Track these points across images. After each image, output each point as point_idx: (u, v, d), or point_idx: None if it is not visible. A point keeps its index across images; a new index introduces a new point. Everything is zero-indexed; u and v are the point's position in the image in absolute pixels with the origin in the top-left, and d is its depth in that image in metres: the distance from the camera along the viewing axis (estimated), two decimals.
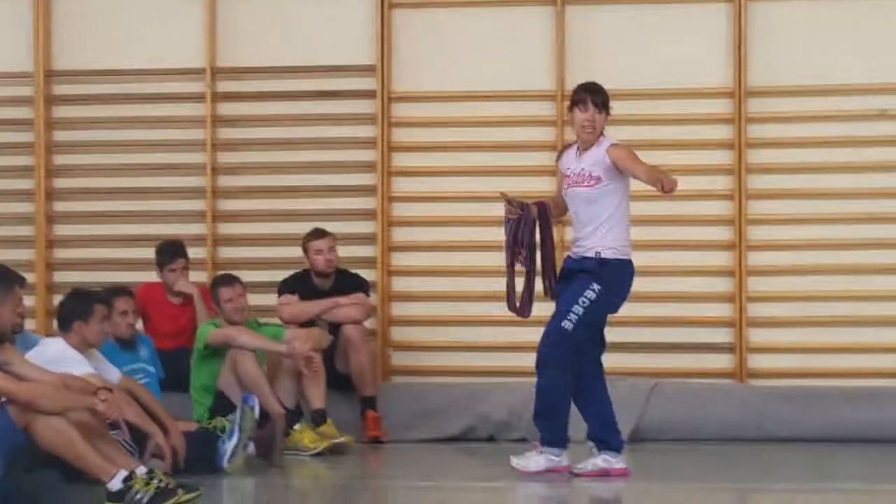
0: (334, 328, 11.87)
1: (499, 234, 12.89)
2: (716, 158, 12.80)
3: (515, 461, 9.72)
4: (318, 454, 10.86)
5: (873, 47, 12.67)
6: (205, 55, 13.15)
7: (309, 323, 11.79)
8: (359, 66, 13.13)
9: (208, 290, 11.56)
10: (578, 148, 9.79)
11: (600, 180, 9.60)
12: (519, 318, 12.88)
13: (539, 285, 9.96)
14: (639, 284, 12.58)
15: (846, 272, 12.64)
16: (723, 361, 12.81)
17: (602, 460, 9.73)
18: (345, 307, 11.95)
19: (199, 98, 13.19)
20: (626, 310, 12.69)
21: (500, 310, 12.88)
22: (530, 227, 9.87)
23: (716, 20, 12.81)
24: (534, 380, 12.59)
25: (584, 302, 9.55)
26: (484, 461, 11.18)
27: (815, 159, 12.69)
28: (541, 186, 12.83)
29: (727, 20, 12.76)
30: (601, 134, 9.73)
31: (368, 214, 13.09)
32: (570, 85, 12.76)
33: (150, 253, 12.42)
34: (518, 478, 9.86)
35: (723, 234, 12.82)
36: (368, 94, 13.11)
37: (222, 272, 12.03)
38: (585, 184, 9.65)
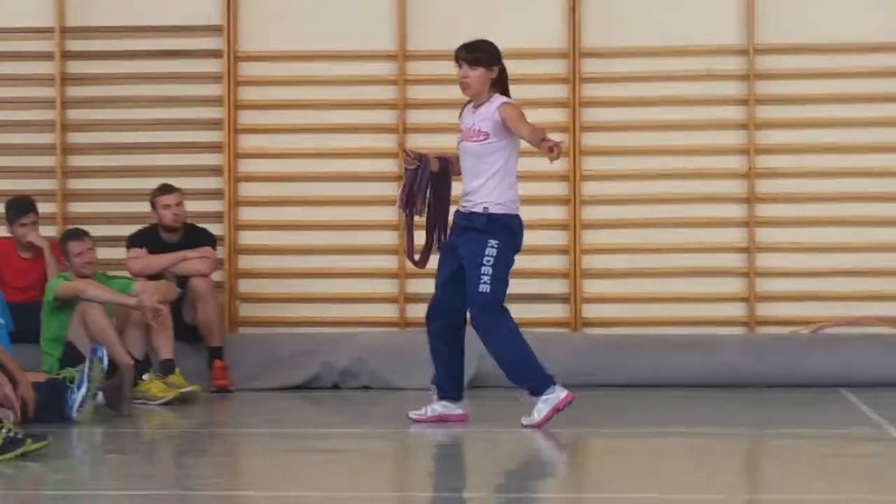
0: (182, 281, 11.84)
1: (342, 189, 13.03)
2: (551, 117, 12.85)
3: (525, 420, 9.50)
4: (166, 403, 10.82)
5: (695, 10, 12.82)
6: (54, 14, 12.98)
7: (157, 276, 11.74)
8: (206, 27, 13.06)
9: (58, 245, 11.45)
10: (473, 104, 9.70)
11: (488, 136, 9.51)
12: (361, 271, 13.03)
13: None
14: None
15: (673, 225, 12.80)
16: (558, 311, 12.93)
17: (441, 406, 9.74)
18: (192, 261, 11.92)
19: (48, 57, 13.04)
20: None
21: (344, 263, 13.03)
22: (427, 177, 9.77)
23: None
24: (377, 329, 12.74)
25: (488, 261, 9.46)
26: (329, 408, 11.19)
27: (645, 117, 12.83)
28: (382, 143, 12.92)
29: None
30: (488, 90, 9.60)
31: (216, 170, 13.04)
32: (411, 45, 12.91)
33: None
34: (359, 424, 9.87)
35: (558, 189, 12.91)
36: (215, 54, 13.05)
37: (72, 227, 11.92)
38: (474, 138, 9.57)
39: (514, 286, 12.63)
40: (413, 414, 9.79)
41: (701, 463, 8.42)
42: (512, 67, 9.60)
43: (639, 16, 12.81)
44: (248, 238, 13.13)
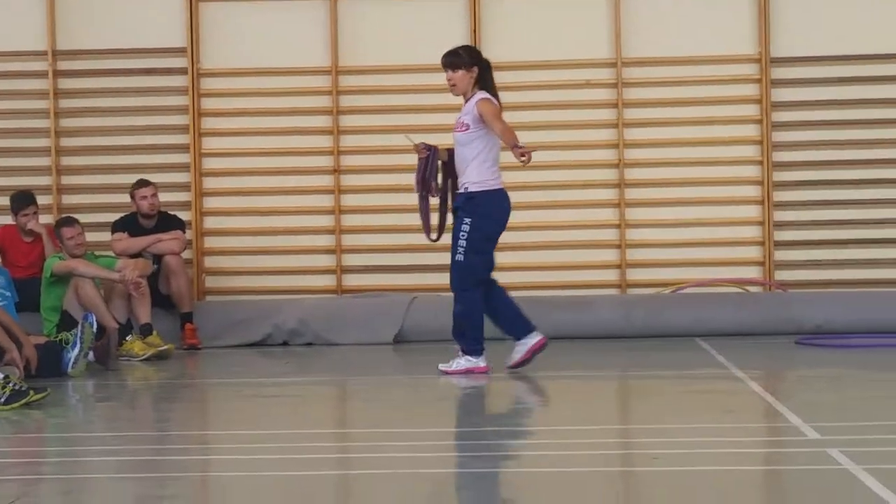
0: (157, 259, 11.79)
1: (288, 181, 13.03)
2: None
3: (442, 366, 9.41)
4: (146, 359, 10.78)
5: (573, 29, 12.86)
6: (48, 39, 12.88)
7: (136, 255, 11.68)
8: (173, 48, 13.00)
9: (53, 230, 11.40)
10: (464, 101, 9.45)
11: (469, 127, 9.27)
12: (304, 248, 13.03)
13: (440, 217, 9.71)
14: (398, 219, 12.81)
15: (558, 206, 12.84)
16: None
17: (465, 360, 9.44)
18: (165, 241, 11.86)
19: (43, 75, 12.94)
20: (390, 239, 12.93)
21: (290, 242, 13.03)
22: (436, 165, 9.51)
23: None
24: (318, 296, 12.75)
25: (463, 235, 9.26)
26: (279, 361, 11.20)
27: (536, 119, 12.82)
28: (320, 143, 12.93)
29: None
30: (472, 88, 9.32)
31: (184, 167, 12.98)
32: (342, 62, 12.91)
33: (5, 201, 12.22)
34: (303, 374, 9.88)
35: None
36: (181, 71, 12.99)
37: (65, 215, 11.86)
38: (459, 129, 9.33)
39: (432, 258, 12.84)
40: (442, 366, 9.49)
41: (582, 399, 8.50)
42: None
43: (537, 33, 12.79)
44: (211, 223, 13.09)
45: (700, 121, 12.77)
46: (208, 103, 13.07)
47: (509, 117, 12.18)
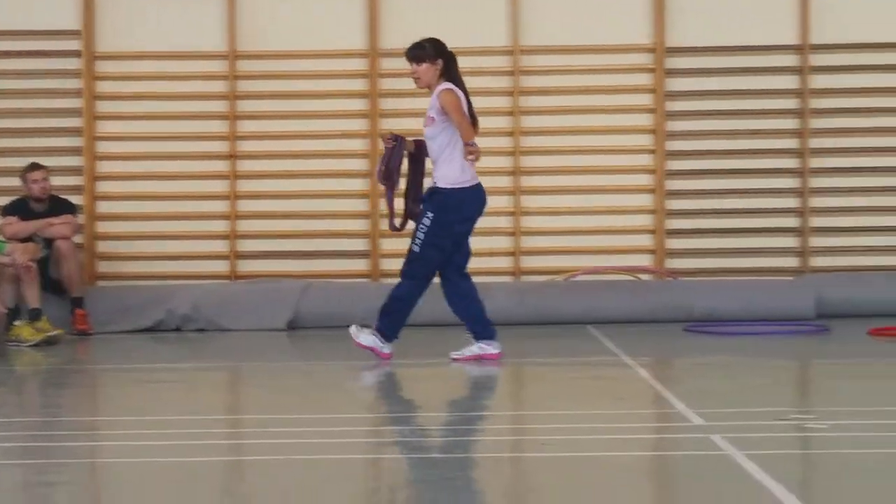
0: (48, 242, 11.71)
1: (181, 166, 12.98)
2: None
3: (353, 330, 9.40)
4: (35, 345, 10.71)
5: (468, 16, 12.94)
6: None
7: (27, 239, 11.59)
8: (67, 31, 12.90)
9: None
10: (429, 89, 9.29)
11: (434, 120, 9.16)
12: (197, 233, 13.00)
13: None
14: (293, 205, 12.84)
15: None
16: (361, 265, 13.02)
17: (478, 347, 9.35)
18: (56, 226, 11.77)
19: None
20: (285, 225, 12.94)
21: (183, 227, 12.99)
22: (401, 155, 9.38)
23: None
24: (211, 282, 12.73)
25: (423, 227, 9.17)
26: (171, 347, 11.18)
27: None
28: (212, 129, 12.91)
29: None
30: (437, 80, 9.19)
31: (77, 151, 12.90)
32: (242, 47, 12.88)
33: None
34: (195, 360, 9.87)
35: (359, 165, 12.99)
36: (75, 54, 12.90)
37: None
38: (426, 124, 9.24)
39: (326, 245, 12.89)
40: (454, 354, 9.39)
41: (473, 385, 8.59)
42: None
43: (433, 22, 12.80)
44: (104, 207, 13.01)
45: (595, 109, 12.90)
46: (103, 87, 12.98)
47: (413, 104, 12.32)
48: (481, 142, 12.56)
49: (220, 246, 13.00)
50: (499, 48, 12.92)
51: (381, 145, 9.68)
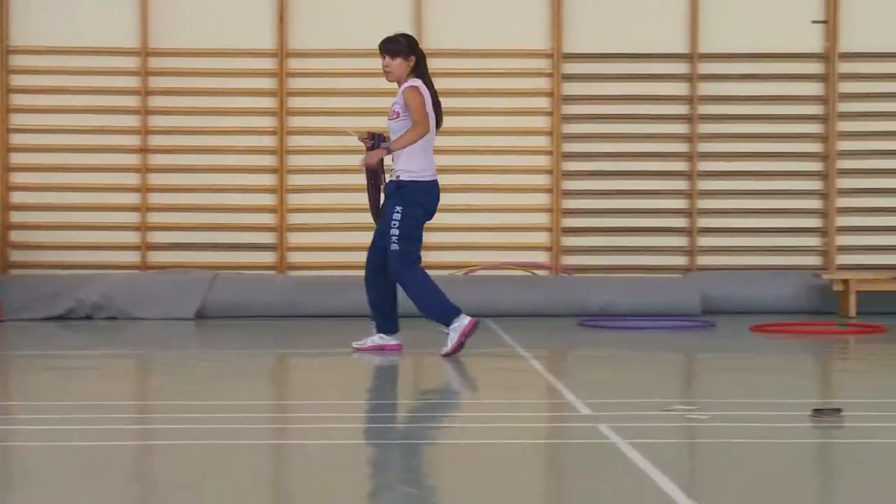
0: None
1: (95, 158, 12.93)
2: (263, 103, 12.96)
3: (444, 351, 9.04)
4: None
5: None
6: None
7: None
8: None
9: None
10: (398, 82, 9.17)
11: (398, 115, 9.05)
12: (109, 224, 12.94)
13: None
14: (202, 198, 12.82)
15: (346, 190, 12.92)
16: (268, 258, 13.03)
17: (379, 338, 9.37)
18: None
19: None
20: (195, 218, 12.92)
21: (96, 218, 12.92)
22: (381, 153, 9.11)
23: None
24: (123, 272, 12.68)
25: (394, 223, 9.03)
26: (82, 335, 11.12)
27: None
28: (125, 123, 12.87)
29: None
30: (407, 76, 9.07)
31: None
32: (154, 43, 12.84)
33: None
34: (106, 347, 9.83)
35: (268, 161, 13.01)
36: None
37: None
38: (391, 117, 9.11)
39: (234, 237, 12.89)
40: (355, 343, 9.37)
41: (374, 375, 8.64)
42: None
43: (336, 22, 12.87)
44: (17, 197, 12.94)
45: (495, 111, 13.02)
46: (17, 80, 12.89)
47: (323, 103, 12.34)
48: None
49: (131, 237, 12.98)
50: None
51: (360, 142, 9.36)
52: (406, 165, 9.08)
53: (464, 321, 9.07)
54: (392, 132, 9.16)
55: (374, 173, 9.25)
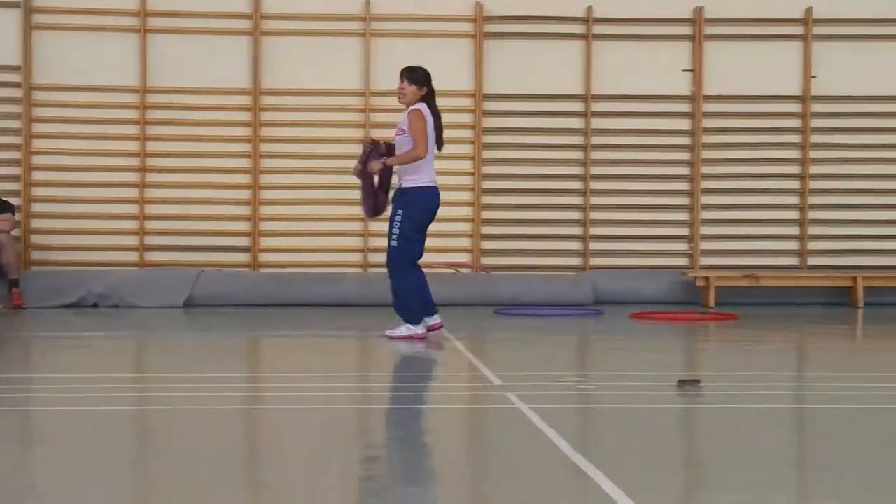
0: None
1: (96, 176, 12.84)
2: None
3: (388, 331, 9.02)
4: None
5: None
6: None
7: None
8: (10, 66, 12.69)
9: None
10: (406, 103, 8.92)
11: (404, 132, 8.79)
12: (112, 230, 12.84)
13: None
14: (190, 209, 12.75)
15: (315, 203, 12.98)
16: (243, 257, 13.00)
17: (406, 329, 9.02)
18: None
19: None
20: (183, 224, 12.85)
21: (100, 224, 12.84)
22: (376, 157, 8.91)
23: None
24: (124, 268, 12.61)
25: (396, 224, 8.81)
26: (90, 320, 11.05)
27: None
28: (129, 147, 12.75)
29: None
30: (415, 102, 8.82)
31: (17, 162, 12.76)
32: (151, 82, 12.77)
33: None
34: (109, 330, 9.79)
35: (241, 163, 12.97)
36: (16, 85, 12.69)
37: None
38: (397, 134, 8.86)
39: (216, 241, 12.84)
40: (387, 332, 9.05)
41: (329, 352, 8.66)
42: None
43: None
44: (38, 207, 12.84)
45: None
46: (39, 112, 12.78)
47: (292, 117, 12.28)
48: (335, 149, 13.01)
49: (131, 240, 12.92)
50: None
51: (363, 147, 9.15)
52: (409, 175, 8.85)
53: (418, 331, 8.95)
54: (398, 146, 8.88)
55: (379, 174, 8.94)
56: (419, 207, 8.86)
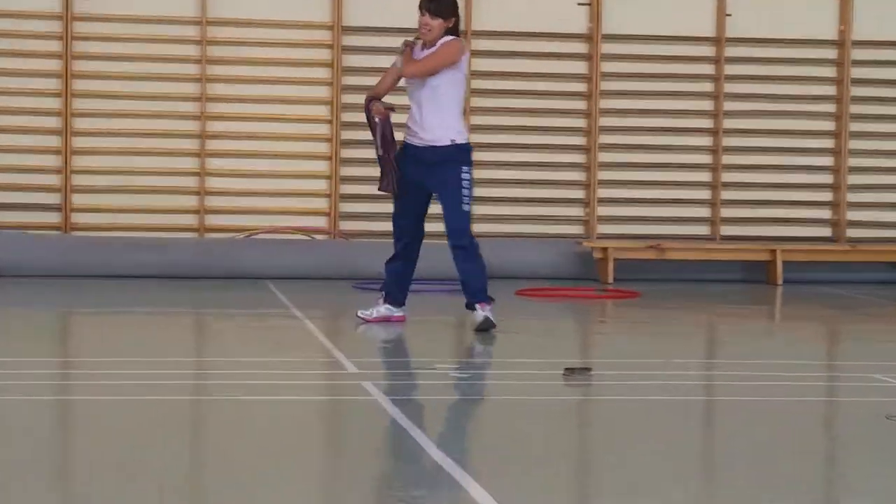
0: None
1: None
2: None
3: (361, 313, 8.75)
4: None
5: None
6: None
7: None
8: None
9: None
10: (424, 45, 8.50)
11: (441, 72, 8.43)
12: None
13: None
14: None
15: (130, 154, 12.86)
16: (53, 218, 12.79)
17: (385, 309, 8.82)
18: None
19: None
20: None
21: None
22: (389, 131, 8.54)
23: None
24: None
25: (466, 184, 8.46)
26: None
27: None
28: (46, 85, 12.60)
29: None
30: (443, 36, 8.44)
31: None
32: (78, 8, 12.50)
33: None
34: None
35: (54, 123, 12.78)
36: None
37: None
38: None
39: (17, 198, 12.63)
40: (361, 313, 8.81)
41: (161, 334, 8.62)
42: None
43: None
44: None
45: (278, 81, 13.01)
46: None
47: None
48: (168, 105, 12.88)
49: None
50: (189, 18, 12.88)
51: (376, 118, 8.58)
52: (458, 126, 8.58)
53: (396, 314, 8.77)
54: (429, 88, 8.46)
55: (387, 145, 8.57)
56: (472, 164, 8.67)
